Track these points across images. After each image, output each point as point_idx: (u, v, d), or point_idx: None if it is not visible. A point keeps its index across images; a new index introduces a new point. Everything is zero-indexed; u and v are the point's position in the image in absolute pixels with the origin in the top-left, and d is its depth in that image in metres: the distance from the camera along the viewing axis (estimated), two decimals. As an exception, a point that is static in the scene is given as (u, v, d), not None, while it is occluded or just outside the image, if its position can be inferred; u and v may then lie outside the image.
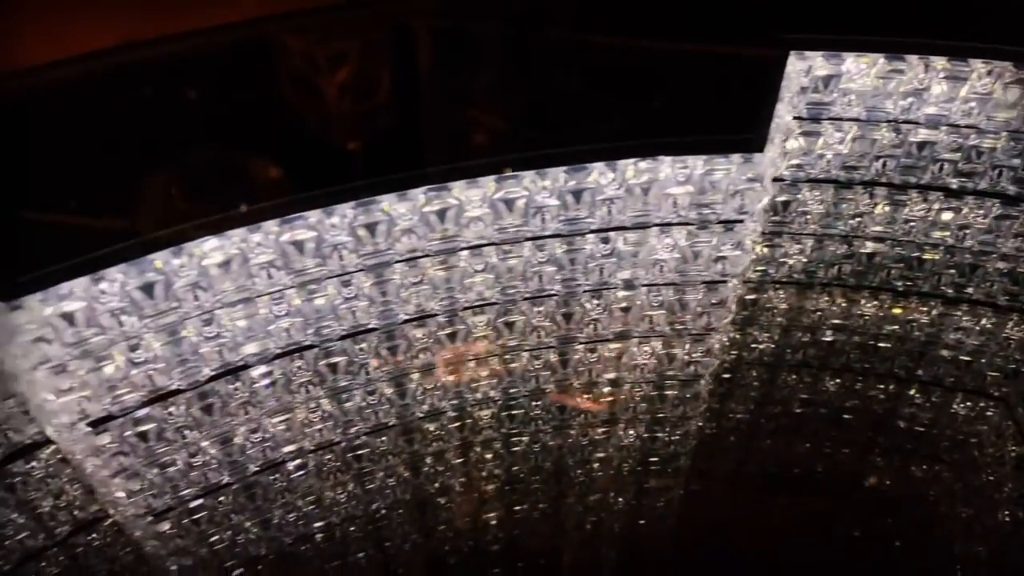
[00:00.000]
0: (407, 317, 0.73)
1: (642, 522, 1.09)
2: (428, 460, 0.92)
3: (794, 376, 1.06)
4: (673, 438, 0.94)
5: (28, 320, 0.58)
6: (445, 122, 0.63)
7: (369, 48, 0.60)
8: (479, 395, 0.85)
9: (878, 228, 0.88)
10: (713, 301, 0.79)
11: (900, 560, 1.18)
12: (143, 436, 0.71)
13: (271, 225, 0.62)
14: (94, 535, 0.86)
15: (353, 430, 0.83)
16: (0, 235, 0.57)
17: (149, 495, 0.76)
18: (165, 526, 0.80)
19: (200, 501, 0.80)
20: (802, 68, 0.74)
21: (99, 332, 0.61)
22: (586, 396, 0.87)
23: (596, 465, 0.97)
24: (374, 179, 0.63)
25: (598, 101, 0.64)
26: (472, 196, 0.65)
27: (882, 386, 1.05)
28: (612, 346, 0.81)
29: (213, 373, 0.69)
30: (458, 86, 0.63)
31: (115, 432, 0.69)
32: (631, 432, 0.93)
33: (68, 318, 0.59)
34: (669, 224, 0.71)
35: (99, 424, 0.69)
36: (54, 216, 0.58)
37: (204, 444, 0.75)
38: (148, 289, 0.61)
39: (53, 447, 0.82)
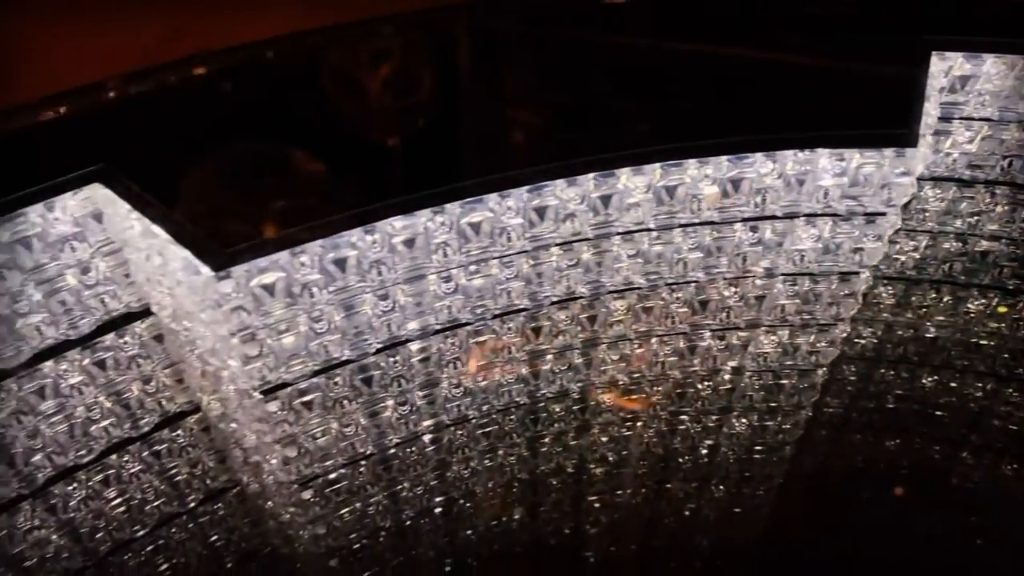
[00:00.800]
0: (556, 298, 0.76)
1: (737, 510, 1.11)
2: (545, 441, 0.95)
3: (892, 372, 1.08)
4: (784, 427, 0.96)
5: (232, 289, 0.62)
6: (617, 114, 0.66)
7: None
8: (604, 378, 0.88)
9: (994, 227, 0.90)
10: (844, 292, 0.81)
11: (987, 558, 1.20)
12: (307, 405, 0.75)
13: (454, 207, 0.65)
14: (235, 500, 0.90)
15: (484, 408, 0.87)
16: (213, 209, 0.61)
17: (301, 463, 0.80)
18: (307, 494, 0.84)
19: (343, 471, 0.83)
20: (942, 68, 0.76)
21: (291, 303, 0.65)
22: (706, 383, 0.90)
23: (704, 451, 1.00)
24: (548, 166, 0.66)
25: (762, 95, 0.67)
26: (637, 183, 0.68)
27: (981, 384, 1.07)
28: (740, 334, 0.84)
29: (380, 345, 0.72)
30: (629, 83, 0.66)
31: (283, 400, 0.73)
32: (743, 420, 0.96)
33: (268, 289, 0.63)
34: (816, 215, 0.74)
35: (270, 392, 0.72)
36: (262, 193, 0.61)
37: (356, 416, 0.79)
38: (341, 263, 0.64)
39: (199, 415, 0.86)
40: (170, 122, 0.67)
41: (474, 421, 0.88)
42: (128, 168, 0.65)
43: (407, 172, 0.65)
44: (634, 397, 0.90)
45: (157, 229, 0.63)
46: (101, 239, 0.69)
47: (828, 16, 0.66)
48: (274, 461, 0.79)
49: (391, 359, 0.75)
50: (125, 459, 0.85)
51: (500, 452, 0.92)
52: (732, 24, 0.71)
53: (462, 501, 0.95)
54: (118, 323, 0.76)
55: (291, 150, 0.64)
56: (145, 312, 0.76)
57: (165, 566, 0.88)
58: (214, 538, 0.94)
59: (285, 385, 0.71)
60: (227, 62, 0.65)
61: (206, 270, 0.61)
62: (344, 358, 0.72)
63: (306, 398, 0.73)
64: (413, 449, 0.86)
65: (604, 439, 0.95)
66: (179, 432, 0.87)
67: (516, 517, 1.03)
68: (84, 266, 0.70)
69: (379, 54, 0.66)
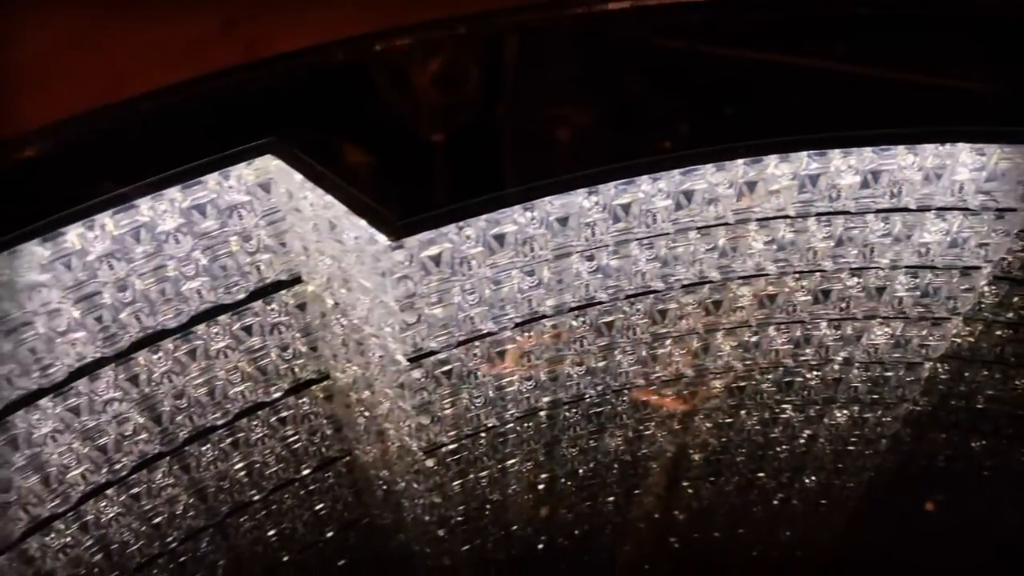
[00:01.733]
0: (687, 282, 0.79)
1: (823, 502, 1.13)
2: (651, 424, 0.97)
3: (985, 372, 1.09)
4: (884, 420, 0.98)
5: (404, 259, 0.65)
6: (764, 100, 0.69)
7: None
8: (718, 365, 0.90)
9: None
10: (963, 288, 0.83)
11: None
12: (447, 374, 0.78)
13: (608, 188, 0.68)
14: (359, 467, 0.94)
15: (600, 387, 0.89)
16: (390, 180, 0.64)
17: (431, 432, 0.83)
18: (430, 462, 0.88)
19: (464, 442, 0.87)
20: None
21: (450, 274, 0.68)
22: (815, 373, 0.92)
23: (801, 441, 1.02)
24: (697, 150, 0.69)
25: (907, 86, 0.69)
26: (784, 170, 0.70)
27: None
28: (855, 325, 0.86)
29: (519, 320, 0.75)
30: (775, 72, 0.69)
31: (427, 368, 0.76)
32: (843, 412, 0.97)
33: (434, 259, 0.67)
34: (948, 208, 0.75)
35: (415, 360, 0.76)
36: (436, 166, 0.65)
37: (485, 388, 0.82)
38: (500, 238, 0.68)
39: (335, 382, 0.90)
40: (342, 96, 0.71)
41: (588, 400, 0.90)
42: (299, 140, 0.69)
43: (562, 153, 0.68)
44: (743, 384, 0.92)
45: (330, 199, 0.67)
46: (267, 208, 0.73)
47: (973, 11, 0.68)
48: (405, 429, 0.82)
49: (525, 333, 0.78)
50: (254, 424, 0.90)
51: (607, 434, 0.95)
52: (869, 18, 0.73)
53: (565, 480, 0.98)
54: (269, 290, 0.80)
55: (454, 128, 0.68)
56: (295, 280, 0.80)
57: (287, 526, 0.92)
58: (321, 506, 0.98)
59: (431, 353, 0.75)
60: (398, 43, 0.68)
61: (381, 239, 0.64)
62: (485, 331, 0.76)
63: (447, 368, 0.77)
64: (529, 425, 0.89)
65: (708, 425, 0.97)
66: (308, 399, 0.91)
67: (610, 499, 1.05)
68: (246, 234, 0.75)
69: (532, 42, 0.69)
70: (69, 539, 0.81)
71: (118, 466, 0.81)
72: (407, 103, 0.70)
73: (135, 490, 0.83)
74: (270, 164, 0.70)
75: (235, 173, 0.69)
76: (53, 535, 0.80)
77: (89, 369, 0.76)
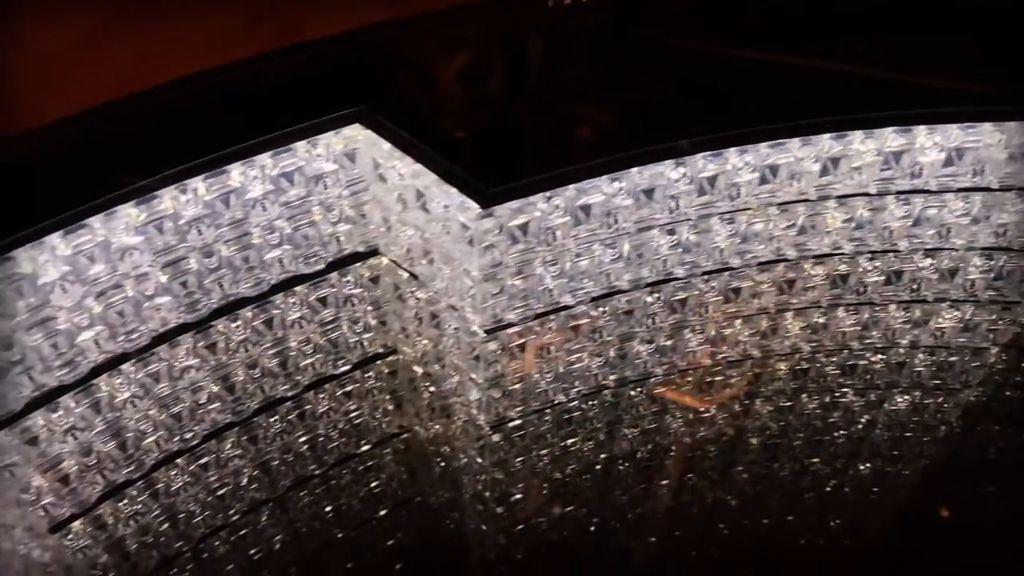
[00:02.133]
0: (763, 259, 0.79)
1: (875, 489, 1.12)
2: (712, 407, 0.97)
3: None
4: (944, 406, 0.98)
5: (492, 227, 0.66)
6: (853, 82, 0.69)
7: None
8: (784, 346, 0.90)
9: None
10: (1039, 271, 0.83)
11: None
12: (520, 347, 0.78)
13: (698, 159, 0.68)
14: (420, 442, 0.94)
15: (665, 367, 0.89)
16: (479, 150, 0.65)
17: (500, 405, 0.83)
18: (496, 437, 0.88)
19: (532, 416, 0.87)
20: None
21: (536, 244, 0.68)
22: (879, 357, 0.92)
23: (859, 427, 1.01)
24: (782, 125, 0.69)
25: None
26: (869, 146, 0.70)
27: None
28: (925, 308, 0.86)
29: (598, 294, 0.76)
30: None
31: (503, 340, 0.77)
32: (904, 397, 0.97)
33: (522, 229, 0.67)
34: (1029, 189, 0.75)
35: (492, 332, 0.76)
36: (520, 137, 0.65)
37: (556, 363, 0.82)
38: (586, 209, 0.68)
39: (395, 356, 0.90)
40: (429, 68, 0.72)
41: (652, 380, 0.91)
42: (388, 111, 0.70)
43: (649, 126, 0.68)
44: (806, 366, 0.92)
45: (419, 168, 0.68)
46: (351, 178, 0.74)
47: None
48: (475, 402, 0.82)
49: (600, 309, 0.79)
50: (321, 395, 0.90)
51: (668, 416, 0.95)
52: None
53: (623, 461, 0.98)
54: (347, 261, 0.81)
55: (545, 99, 0.68)
56: (372, 252, 0.80)
57: (363, 492, 0.91)
58: (378, 482, 0.98)
59: (508, 325, 0.75)
60: (492, 14, 0.69)
61: (470, 208, 0.65)
62: (561, 304, 0.76)
63: (521, 341, 0.77)
64: (594, 402, 0.90)
65: (768, 408, 0.97)
66: (378, 371, 0.91)
67: (664, 482, 1.05)
68: (329, 204, 0.75)
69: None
70: (140, 506, 0.82)
71: (189, 435, 0.82)
72: (496, 74, 0.71)
73: (203, 460, 0.84)
74: (358, 134, 0.71)
75: (324, 142, 0.70)
76: (125, 501, 0.81)
77: (170, 335, 0.77)
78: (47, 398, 0.73)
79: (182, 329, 0.76)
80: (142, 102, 0.66)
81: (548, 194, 0.66)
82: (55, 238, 0.64)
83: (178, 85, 0.67)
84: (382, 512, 0.93)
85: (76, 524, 0.79)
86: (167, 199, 0.66)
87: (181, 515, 0.83)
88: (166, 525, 0.84)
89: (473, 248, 0.67)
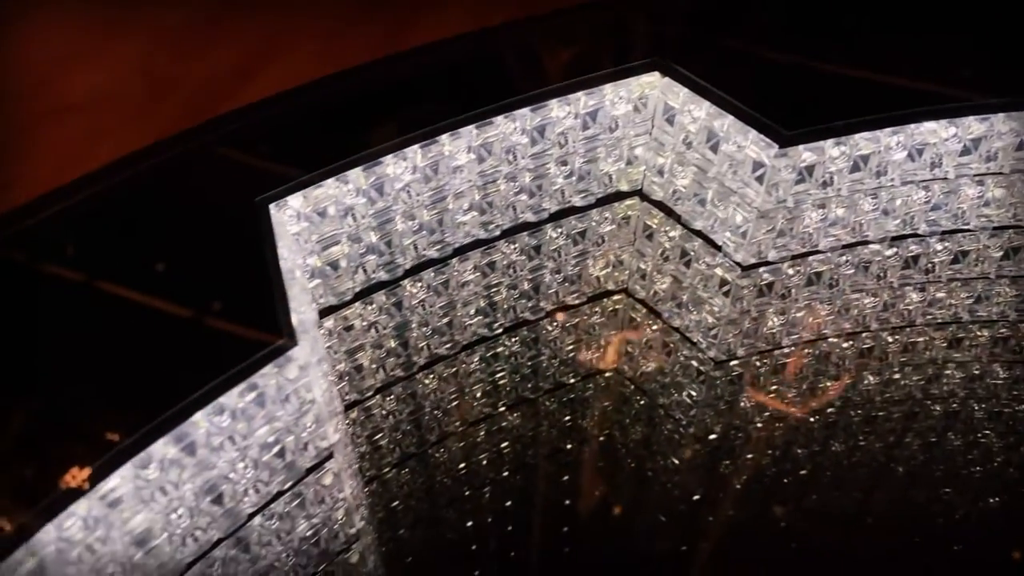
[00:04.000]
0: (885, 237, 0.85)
1: (938, 473, 1.07)
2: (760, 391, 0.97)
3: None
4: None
5: (785, 165, 0.74)
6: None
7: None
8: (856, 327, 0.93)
9: None
10: None
11: None
12: (769, 287, 0.86)
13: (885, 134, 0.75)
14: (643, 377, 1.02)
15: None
16: (770, 96, 0.74)
17: (730, 346, 0.91)
18: (717, 373, 0.96)
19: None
20: None
21: (822, 185, 0.76)
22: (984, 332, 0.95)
23: (926, 405, 1.00)
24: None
25: None
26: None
27: None
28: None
29: (790, 254, 0.83)
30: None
31: (755, 279, 0.85)
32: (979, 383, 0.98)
33: (808, 170, 0.75)
34: None
35: (749, 268, 0.85)
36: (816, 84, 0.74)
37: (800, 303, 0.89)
38: (865, 159, 0.76)
39: (629, 292, 0.97)
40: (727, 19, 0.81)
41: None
42: (684, 58, 0.79)
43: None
44: (916, 339, 0.94)
45: (715, 110, 0.77)
46: (641, 119, 0.83)
47: None
48: (715, 339, 0.90)
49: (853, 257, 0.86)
50: (556, 327, 0.99)
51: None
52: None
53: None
54: (611, 198, 0.90)
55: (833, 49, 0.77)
56: (636, 192, 0.89)
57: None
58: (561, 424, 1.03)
59: (766, 263, 0.84)
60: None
61: (763, 150, 0.73)
62: (809, 249, 0.84)
63: (778, 278, 0.85)
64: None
65: (818, 389, 0.96)
66: (610, 307, 0.98)
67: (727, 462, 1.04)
68: (612, 145, 0.85)
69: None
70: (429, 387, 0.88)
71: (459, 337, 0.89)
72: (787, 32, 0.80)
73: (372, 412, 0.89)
74: (655, 80, 0.80)
75: (623, 88, 0.80)
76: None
77: (463, 250, 0.86)
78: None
79: (475, 245, 0.86)
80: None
81: (838, 140, 0.74)
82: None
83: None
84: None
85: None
86: (500, 126, 0.77)
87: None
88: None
89: (761, 186, 0.75)
